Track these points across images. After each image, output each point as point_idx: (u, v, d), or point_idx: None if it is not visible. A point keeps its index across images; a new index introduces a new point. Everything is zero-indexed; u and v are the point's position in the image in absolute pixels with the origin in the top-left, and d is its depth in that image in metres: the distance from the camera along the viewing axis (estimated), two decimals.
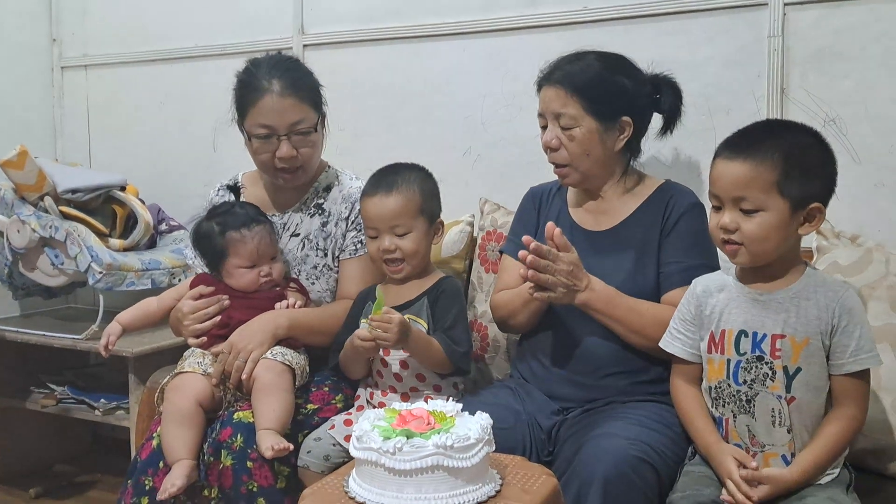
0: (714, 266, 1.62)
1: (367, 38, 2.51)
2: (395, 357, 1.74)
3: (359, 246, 1.94)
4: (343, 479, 1.30)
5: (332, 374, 1.88)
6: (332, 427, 1.71)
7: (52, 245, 2.46)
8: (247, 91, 1.87)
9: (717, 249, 1.49)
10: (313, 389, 1.83)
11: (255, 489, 1.60)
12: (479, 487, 1.23)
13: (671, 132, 1.83)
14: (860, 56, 1.91)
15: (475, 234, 2.23)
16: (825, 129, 1.87)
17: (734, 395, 1.43)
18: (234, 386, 1.73)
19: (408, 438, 1.21)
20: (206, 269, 1.92)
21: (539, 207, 1.90)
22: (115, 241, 2.56)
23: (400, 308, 1.72)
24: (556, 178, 1.81)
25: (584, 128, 1.70)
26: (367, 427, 1.26)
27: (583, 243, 1.72)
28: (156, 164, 2.92)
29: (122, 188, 2.69)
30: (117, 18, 2.97)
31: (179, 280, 2.50)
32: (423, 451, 1.19)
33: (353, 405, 1.83)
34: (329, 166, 2.06)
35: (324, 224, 1.98)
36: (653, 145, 1.92)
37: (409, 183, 1.77)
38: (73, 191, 2.53)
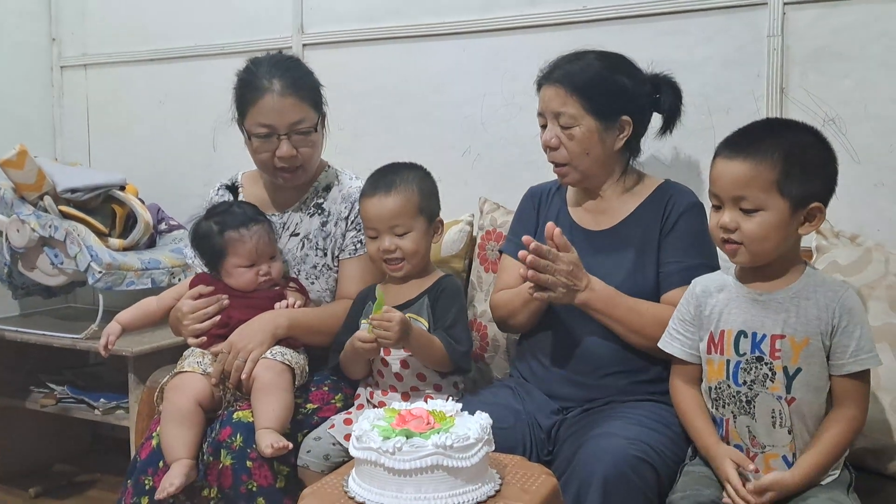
0: (714, 266, 1.62)
1: (367, 38, 2.51)
2: (395, 356, 1.74)
3: (358, 246, 1.94)
4: (343, 478, 1.30)
5: (331, 373, 1.88)
6: (332, 426, 1.71)
7: (51, 244, 2.46)
8: (247, 90, 1.87)
9: (717, 249, 1.49)
10: (313, 389, 1.83)
11: (254, 489, 1.60)
12: (479, 487, 1.23)
13: (671, 132, 1.83)
14: (860, 55, 1.91)
15: (474, 234, 2.23)
16: (824, 128, 1.87)
17: (734, 396, 1.43)
18: (233, 385, 1.73)
19: (407, 438, 1.21)
20: (206, 269, 1.92)
21: (538, 207, 1.90)
22: (115, 241, 2.56)
23: (400, 307, 1.72)
24: (555, 177, 1.81)
25: (583, 127, 1.70)
26: (367, 427, 1.26)
27: (582, 243, 1.72)
28: (155, 163, 2.91)
29: (122, 188, 2.69)
30: (117, 18, 2.97)
31: (179, 279, 2.51)
32: (422, 450, 1.19)
33: (352, 404, 1.83)
34: (329, 166, 2.06)
35: (323, 224, 1.98)
36: (652, 145, 1.92)
37: (408, 183, 1.77)
38: (73, 190, 2.53)
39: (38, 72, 3.07)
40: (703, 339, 1.49)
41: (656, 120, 1.82)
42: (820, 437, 1.38)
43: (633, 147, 1.78)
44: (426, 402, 1.37)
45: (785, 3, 1.96)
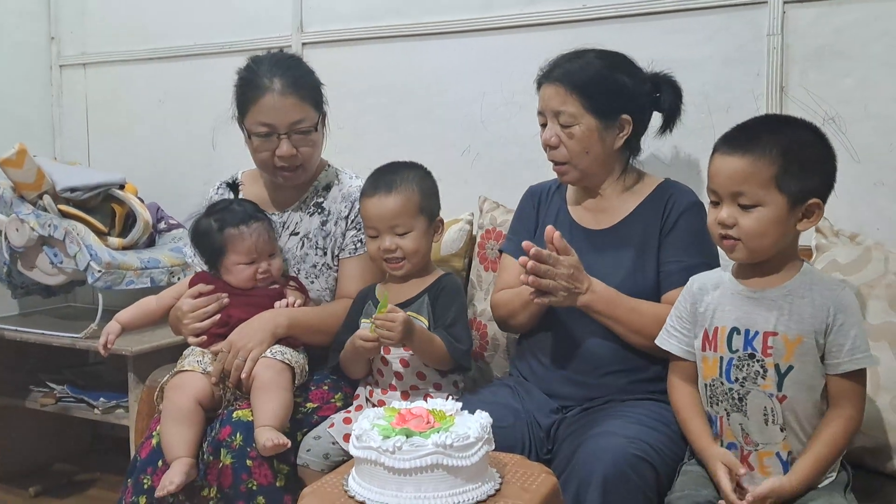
0: (714, 265, 1.61)
1: (367, 37, 2.50)
2: (395, 355, 1.74)
3: (358, 245, 1.94)
4: (343, 477, 1.30)
5: (331, 372, 1.88)
6: (332, 425, 1.72)
7: (51, 244, 2.46)
8: (248, 89, 1.86)
9: (718, 248, 1.49)
10: (312, 388, 1.83)
11: (254, 487, 1.60)
12: (479, 486, 1.23)
13: (671, 131, 1.83)
14: (860, 54, 1.91)
15: (474, 233, 2.23)
16: (824, 127, 1.86)
17: (727, 394, 1.43)
18: (233, 385, 1.73)
19: (407, 437, 1.21)
20: (206, 268, 1.92)
21: (538, 206, 1.89)
22: (114, 240, 2.56)
23: (400, 305, 1.71)
24: (555, 176, 1.80)
25: (583, 126, 1.69)
26: (367, 426, 1.25)
27: (582, 242, 1.72)
28: (155, 162, 2.91)
29: (121, 187, 2.69)
30: (116, 17, 2.97)
31: (178, 279, 2.51)
32: (422, 449, 1.19)
33: (352, 403, 1.83)
34: (329, 165, 2.05)
35: (323, 223, 1.97)
36: (652, 143, 1.92)
37: (408, 182, 1.77)
38: (72, 189, 2.53)
39: (38, 71, 3.06)
40: (698, 337, 1.49)
41: (656, 119, 1.82)
42: (816, 440, 1.37)
43: (632, 146, 1.78)
44: (426, 400, 1.37)
45: (785, 2, 1.96)
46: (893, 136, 1.89)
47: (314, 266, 1.97)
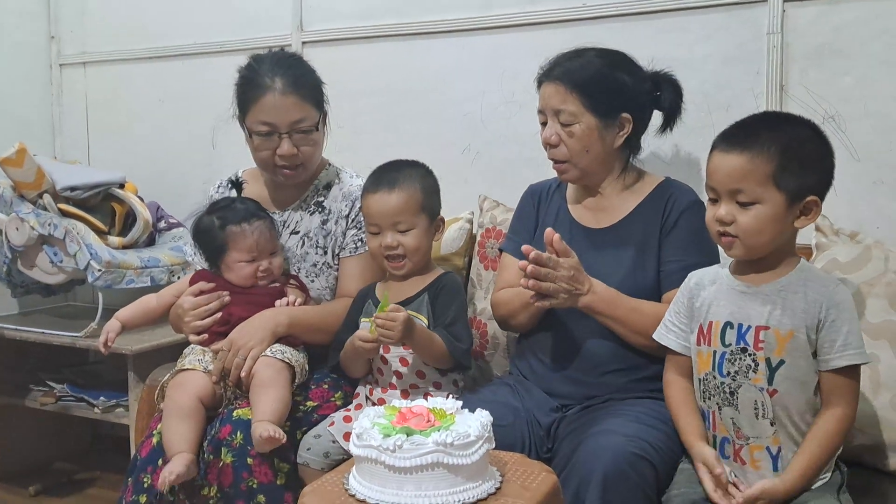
0: (714, 263, 1.61)
1: (367, 36, 2.50)
2: (395, 354, 1.75)
3: (359, 244, 1.94)
4: (343, 476, 1.30)
5: (331, 371, 1.88)
6: (332, 424, 1.72)
7: (51, 243, 2.46)
8: (249, 88, 1.86)
9: (718, 246, 1.49)
10: (313, 387, 1.83)
11: (255, 486, 1.60)
12: (479, 485, 1.23)
13: (671, 130, 1.83)
14: (860, 53, 1.91)
15: (474, 232, 2.23)
16: (824, 125, 1.86)
17: (719, 387, 1.43)
18: (233, 383, 1.73)
19: (408, 436, 1.21)
20: (206, 266, 1.92)
21: (538, 205, 1.89)
22: (114, 239, 2.56)
23: (400, 304, 1.71)
24: (555, 175, 1.81)
25: (583, 124, 1.69)
26: (367, 424, 1.25)
27: (582, 241, 1.72)
28: (155, 161, 2.91)
29: (121, 186, 2.69)
30: (116, 16, 2.97)
31: (178, 277, 2.51)
32: (422, 448, 1.19)
33: (352, 402, 1.83)
34: (329, 164, 2.05)
35: (324, 222, 1.97)
36: (652, 142, 1.92)
37: (411, 180, 1.77)
38: (72, 188, 2.53)
39: (38, 70, 3.06)
40: (694, 331, 1.49)
41: (656, 117, 1.82)
42: (808, 440, 1.37)
43: (633, 144, 1.78)
44: (426, 399, 1.37)
45: (785, 1, 1.96)
46: (893, 134, 1.90)
47: (314, 265, 1.97)
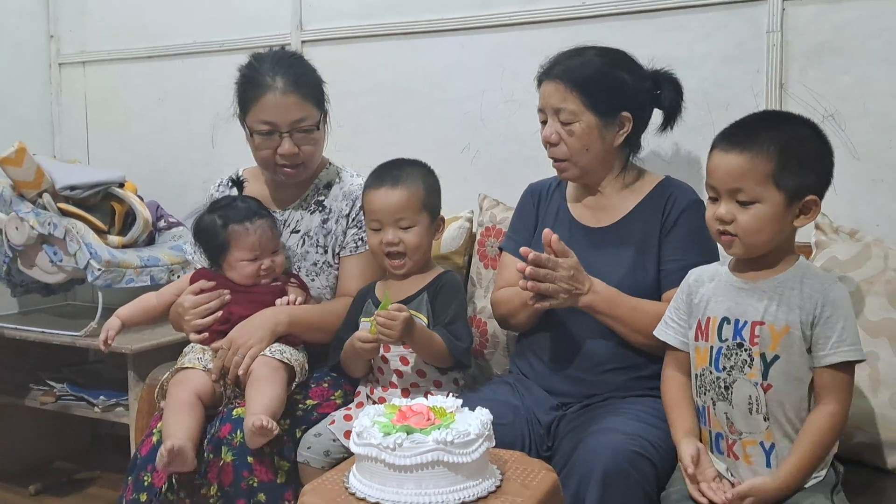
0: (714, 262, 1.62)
1: (366, 35, 2.50)
2: (395, 353, 1.75)
3: (359, 243, 1.94)
4: (343, 474, 1.30)
5: (331, 370, 1.88)
6: (332, 422, 1.72)
7: (50, 242, 2.46)
8: (250, 87, 1.86)
9: (717, 245, 1.49)
10: (312, 385, 1.84)
11: (255, 484, 1.61)
12: (480, 483, 1.23)
13: (671, 128, 1.83)
14: (860, 51, 1.91)
15: (474, 230, 2.23)
16: (824, 124, 1.86)
17: (714, 382, 1.43)
18: (232, 382, 1.74)
19: (408, 434, 1.21)
20: (206, 265, 1.92)
21: (538, 204, 1.89)
22: (114, 238, 2.56)
23: (400, 303, 1.72)
24: (555, 173, 1.81)
25: (583, 123, 1.69)
26: (368, 423, 1.26)
27: (582, 240, 1.72)
28: (154, 160, 2.91)
29: (121, 185, 2.69)
30: (115, 15, 2.96)
31: (178, 277, 2.50)
32: (423, 446, 1.19)
33: (352, 401, 1.83)
34: (330, 163, 2.05)
35: (324, 221, 1.98)
36: (652, 140, 1.92)
37: (414, 178, 1.78)
38: (72, 188, 2.53)
39: (37, 69, 3.06)
40: (692, 327, 1.49)
41: (656, 116, 1.82)
42: (800, 440, 1.36)
43: (633, 143, 1.78)
44: (426, 398, 1.37)
45: None
46: (892, 132, 1.90)
47: (315, 264, 1.97)
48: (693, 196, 1.74)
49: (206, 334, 1.81)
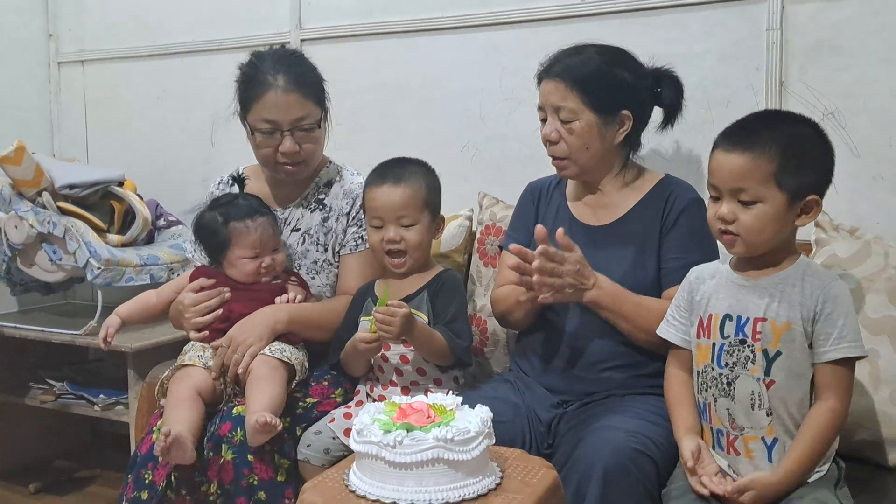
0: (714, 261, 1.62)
1: (366, 33, 2.50)
2: (395, 351, 1.75)
3: (359, 241, 1.94)
4: (343, 472, 1.30)
5: (331, 368, 1.88)
6: (332, 420, 1.72)
7: (50, 241, 2.46)
8: (251, 85, 1.86)
9: (718, 244, 1.49)
10: (313, 384, 1.84)
11: (255, 482, 1.61)
12: (480, 480, 1.23)
13: (672, 126, 1.83)
14: (859, 49, 1.91)
15: (474, 229, 2.23)
16: (824, 122, 1.87)
17: (716, 379, 1.44)
18: (231, 380, 1.74)
19: (408, 432, 1.21)
20: (206, 263, 1.92)
21: (538, 202, 1.89)
22: (114, 237, 2.56)
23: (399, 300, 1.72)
24: (555, 171, 1.81)
25: (583, 121, 1.69)
26: (368, 420, 1.26)
27: (582, 238, 1.72)
28: (154, 159, 2.91)
29: (120, 183, 2.69)
30: (114, 13, 2.96)
31: (177, 275, 2.50)
32: (423, 444, 1.19)
33: (352, 399, 1.83)
34: (330, 162, 2.05)
35: (324, 219, 1.98)
36: (651, 138, 1.91)
37: (417, 176, 1.78)
38: (71, 186, 2.53)
39: (36, 68, 3.06)
40: (694, 325, 1.50)
41: (657, 114, 1.82)
42: (801, 435, 1.37)
43: (633, 141, 1.78)
44: (426, 395, 1.37)
45: None
46: (892, 129, 1.90)
47: (315, 262, 1.97)
48: (693, 194, 1.74)
49: (207, 332, 1.81)
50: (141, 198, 2.71)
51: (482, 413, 1.28)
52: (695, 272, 1.54)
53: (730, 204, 1.39)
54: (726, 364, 1.42)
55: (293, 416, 1.72)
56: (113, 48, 2.97)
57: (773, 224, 1.37)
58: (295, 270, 1.96)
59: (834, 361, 1.37)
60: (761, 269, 1.43)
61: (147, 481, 1.66)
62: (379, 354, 1.76)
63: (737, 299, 1.43)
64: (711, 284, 1.49)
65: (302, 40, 2.59)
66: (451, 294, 1.78)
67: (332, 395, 1.83)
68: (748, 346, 1.40)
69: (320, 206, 1.99)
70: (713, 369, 1.44)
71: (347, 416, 1.72)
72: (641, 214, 1.74)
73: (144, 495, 1.65)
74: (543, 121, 1.76)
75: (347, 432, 1.61)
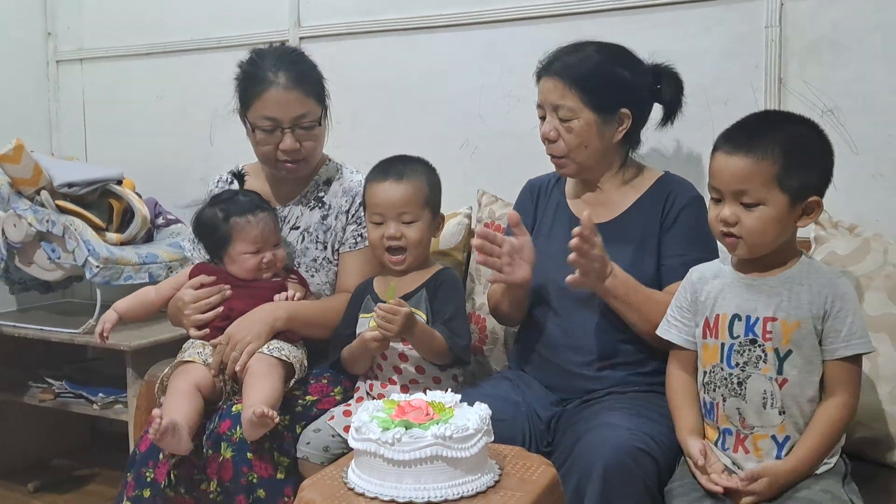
0: (714, 259, 1.61)
1: (364, 31, 2.50)
2: (394, 350, 1.74)
3: (359, 239, 1.94)
4: (342, 470, 1.30)
5: (331, 367, 1.87)
6: (332, 418, 1.72)
7: (48, 239, 2.45)
8: (251, 83, 1.86)
9: (717, 242, 1.49)
10: (312, 381, 1.83)
11: (254, 480, 1.61)
12: (478, 477, 1.23)
13: (671, 123, 1.82)
14: (858, 46, 1.91)
15: (473, 227, 2.23)
16: (823, 119, 1.87)
17: (726, 379, 1.44)
18: (229, 377, 1.73)
19: (406, 429, 1.21)
20: (206, 260, 1.91)
21: (537, 200, 1.89)
22: (112, 235, 2.55)
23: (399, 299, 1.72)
24: (554, 169, 1.80)
25: (582, 120, 1.69)
26: (366, 418, 1.25)
27: None
28: (152, 157, 2.90)
29: (119, 182, 2.68)
30: (113, 12, 2.96)
31: (176, 274, 2.50)
32: (421, 441, 1.19)
33: (351, 397, 1.83)
34: (330, 160, 2.05)
35: (324, 217, 1.97)
36: (650, 136, 1.91)
37: (418, 174, 1.79)
38: (70, 185, 2.53)
39: (34, 66, 3.06)
40: (699, 325, 1.50)
41: (656, 111, 1.82)
42: (811, 426, 1.39)
43: (632, 139, 1.78)
44: (425, 393, 1.37)
45: None
46: (892, 127, 1.89)
47: (314, 260, 1.97)
48: (693, 192, 1.74)
49: (207, 330, 1.81)
50: (140, 196, 2.71)
51: (481, 410, 1.28)
52: (696, 272, 1.53)
53: (732, 206, 1.39)
54: (737, 364, 1.43)
55: (292, 414, 1.72)
56: (111, 46, 2.97)
57: (776, 226, 1.38)
58: (294, 268, 1.96)
59: (844, 358, 1.38)
60: (766, 268, 1.44)
61: (149, 479, 1.66)
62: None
63: (744, 299, 1.44)
64: (716, 284, 1.48)
65: (300, 38, 2.58)
66: (449, 292, 1.78)
67: (332, 393, 1.83)
68: (759, 346, 1.41)
69: (320, 204, 1.98)
70: (722, 369, 1.44)
71: (347, 413, 1.71)
72: (641, 212, 1.74)
73: (146, 493, 1.65)
74: (542, 119, 1.76)
75: (347, 430, 1.61)
